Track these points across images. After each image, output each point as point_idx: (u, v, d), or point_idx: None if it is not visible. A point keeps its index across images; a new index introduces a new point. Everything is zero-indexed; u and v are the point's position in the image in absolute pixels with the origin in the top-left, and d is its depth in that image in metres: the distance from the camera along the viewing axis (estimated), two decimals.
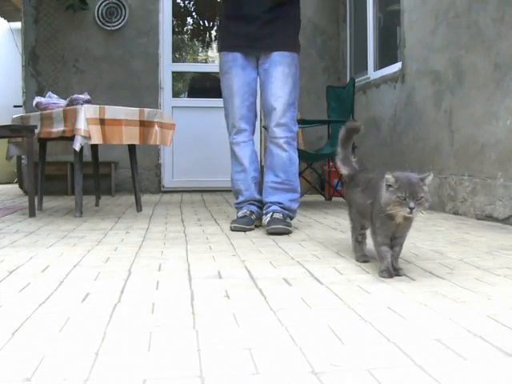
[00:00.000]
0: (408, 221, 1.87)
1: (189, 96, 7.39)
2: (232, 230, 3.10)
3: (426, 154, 4.26)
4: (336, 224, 3.36)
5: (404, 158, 4.55)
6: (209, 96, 6.45)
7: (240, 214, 3.21)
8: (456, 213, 3.81)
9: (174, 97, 6.45)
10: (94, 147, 4.46)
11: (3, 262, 2.20)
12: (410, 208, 1.73)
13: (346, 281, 1.86)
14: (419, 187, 1.76)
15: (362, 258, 2.15)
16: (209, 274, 1.98)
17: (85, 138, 3.55)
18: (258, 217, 3.23)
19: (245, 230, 3.07)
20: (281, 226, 2.95)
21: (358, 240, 2.19)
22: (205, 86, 7.12)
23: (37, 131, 3.84)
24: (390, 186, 1.78)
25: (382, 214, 1.82)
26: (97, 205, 4.58)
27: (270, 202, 3.14)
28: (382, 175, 1.81)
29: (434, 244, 2.61)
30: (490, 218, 3.43)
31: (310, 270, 2.03)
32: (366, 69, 5.71)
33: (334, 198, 5.19)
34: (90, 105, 3.75)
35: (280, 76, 3.13)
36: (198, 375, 1.06)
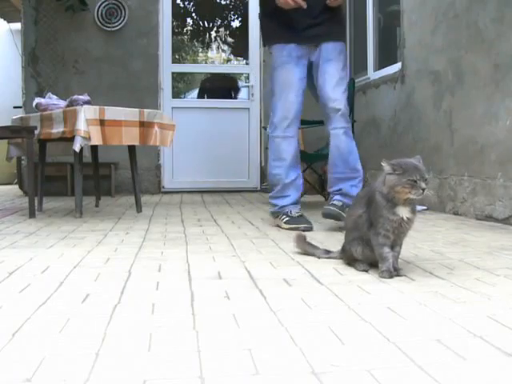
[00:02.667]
0: (412, 218, 1.89)
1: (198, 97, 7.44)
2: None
3: (425, 154, 4.25)
4: (335, 224, 3.36)
5: (404, 158, 4.54)
6: (216, 97, 6.48)
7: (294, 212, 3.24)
8: (456, 213, 3.81)
9: (173, 97, 6.45)
10: (94, 148, 4.46)
11: (3, 262, 2.20)
12: (422, 189, 1.80)
13: (346, 281, 1.86)
14: (424, 169, 1.85)
15: (362, 266, 2.05)
16: (209, 274, 1.98)
17: (85, 138, 3.55)
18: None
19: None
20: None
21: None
22: (218, 87, 7.13)
23: (37, 132, 3.84)
24: (391, 173, 1.83)
25: (388, 199, 1.83)
26: (97, 206, 4.58)
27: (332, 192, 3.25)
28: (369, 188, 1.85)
29: (434, 244, 2.62)
30: (489, 218, 3.43)
31: (310, 270, 2.03)
32: (366, 69, 5.71)
33: None
34: (89, 106, 3.75)
35: (338, 66, 3.29)
36: (198, 376, 1.06)
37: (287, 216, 3.22)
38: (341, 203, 3.14)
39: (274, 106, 3.33)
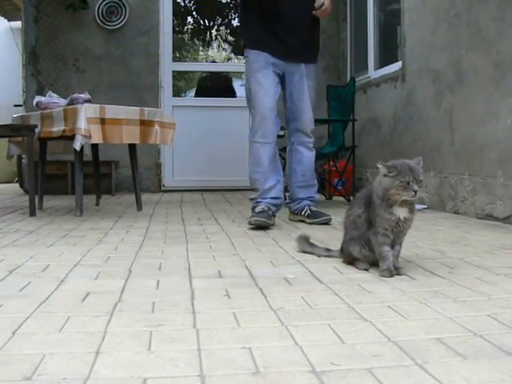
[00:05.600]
0: (410, 218, 1.89)
1: (196, 95, 7.43)
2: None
3: (426, 153, 4.25)
4: (336, 223, 3.35)
5: (404, 158, 4.54)
6: (217, 95, 6.46)
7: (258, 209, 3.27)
8: (456, 212, 3.81)
9: (174, 96, 6.44)
10: (95, 146, 4.46)
11: (3, 261, 2.20)
12: (414, 191, 1.79)
13: (347, 280, 1.86)
14: (419, 171, 1.84)
15: (363, 265, 2.04)
16: (209, 273, 1.98)
17: (85, 137, 3.55)
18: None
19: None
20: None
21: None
22: (214, 86, 7.11)
23: (37, 131, 3.84)
24: (385, 175, 1.84)
25: (383, 199, 1.84)
26: (97, 204, 4.58)
27: (300, 198, 3.47)
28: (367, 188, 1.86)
29: (435, 243, 2.61)
30: (490, 217, 3.43)
31: (311, 269, 2.03)
32: (367, 68, 5.70)
33: (334, 197, 5.19)
34: (90, 104, 3.75)
35: (310, 87, 3.46)
36: (199, 374, 1.06)
37: (252, 211, 3.28)
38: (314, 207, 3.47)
39: (252, 111, 3.35)
